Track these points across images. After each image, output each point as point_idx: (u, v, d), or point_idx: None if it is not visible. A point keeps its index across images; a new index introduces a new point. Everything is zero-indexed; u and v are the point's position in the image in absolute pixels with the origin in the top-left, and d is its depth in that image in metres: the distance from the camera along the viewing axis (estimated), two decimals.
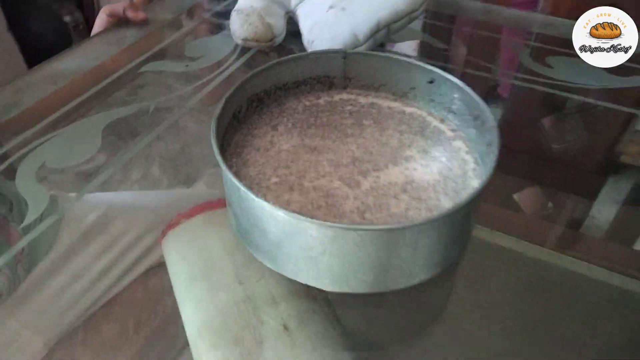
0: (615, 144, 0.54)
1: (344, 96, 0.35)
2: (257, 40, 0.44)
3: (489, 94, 0.59)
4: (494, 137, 0.27)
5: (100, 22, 0.53)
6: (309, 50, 0.44)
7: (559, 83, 0.47)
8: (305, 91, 0.35)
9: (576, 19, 0.57)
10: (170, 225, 0.36)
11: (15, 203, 0.39)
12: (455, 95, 0.31)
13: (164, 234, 0.36)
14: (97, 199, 0.45)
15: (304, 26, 0.44)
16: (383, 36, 0.42)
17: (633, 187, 0.51)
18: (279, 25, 0.45)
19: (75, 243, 0.43)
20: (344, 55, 0.34)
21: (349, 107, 0.34)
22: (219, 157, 0.26)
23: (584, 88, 0.47)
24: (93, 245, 0.44)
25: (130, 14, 0.51)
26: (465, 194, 0.27)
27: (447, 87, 0.32)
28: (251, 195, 0.23)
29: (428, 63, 0.33)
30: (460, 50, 0.53)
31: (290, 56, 0.33)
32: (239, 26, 0.44)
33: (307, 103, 0.34)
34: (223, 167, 0.25)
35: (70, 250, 0.43)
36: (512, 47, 0.52)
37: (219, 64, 0.45)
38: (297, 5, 0.46)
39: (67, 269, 0.42)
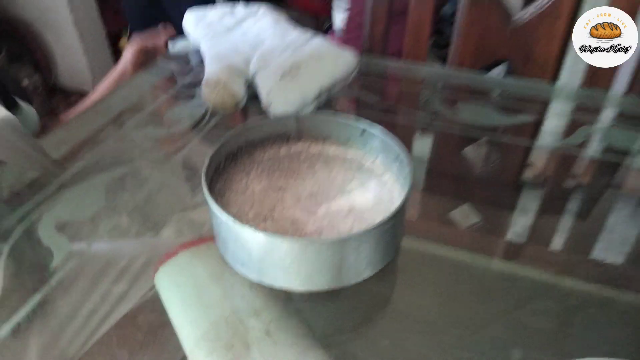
0: (523, 163, 0.67)
1: (299, 147, 0.45)
2: (224, 106, 0.54)
3: (421, 133, 0.71)
4: (408, 171, 0.38)
5: (130, 56, 0.63)
6: (267, 110, 0.54)
7: (467, 123, 0.59)
8: (269, 145, 0.45)
9: (479, 68, 0.71)
10: (161, 261, 0.43)
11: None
12: (381, 142, 0.42)
13: (155, 269, 0.43)
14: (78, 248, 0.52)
15: (262, 91, 0.55)
16: (325, 97, 0.53)
17: (542, 198, 0.63)
18: (241, 92, 0.55)
19: (62, 290, 0.49)
20: (296, 117, 0.44)
21: (303, 155, 0.45)
22: (210, 200, 0.35)
23: (486, 126, 0.60)
24: (78, 291, 0.50)
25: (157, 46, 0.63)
26: (390, 213, 0.37)
27: (374, 136, 0.43)
28: (239, 225, 0.33)
29: (362, 117, 0.43)
30: (390, 101, 0.65)
31: (256, 120, 0.43)
32: (208, 95, 0.54)
33: (271, 153, 0.44)
34: (214, 207, 0.34)
35: (57, 297, 0.49)
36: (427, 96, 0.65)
37: (194, 126, 0.55)
38: (254, 74, 0.57)
39: (57, 313, 0.48)
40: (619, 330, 0.36)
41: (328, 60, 0.55)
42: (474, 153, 0.71)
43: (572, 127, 0.60)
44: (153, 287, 0.41)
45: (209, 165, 0.38)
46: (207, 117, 0.56)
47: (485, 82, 0.66)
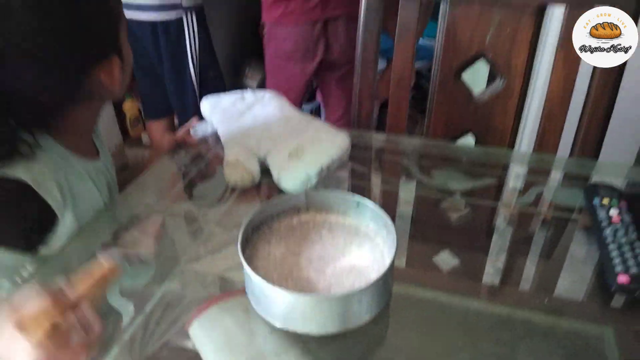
0: (494, 211, 0.79)
1: (308, 217, 0.57)
2: (243, 183, 0.66)
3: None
4: (394, 235, 0.50)
5: (166, 142, 0.77)
6: (278, 183, 0.67)
7: (440, 188, 0.72)
8: (284, 216, 0.57)
9: (448, 139, 0.84)
10: (193, 315, 0.54)
11: None
12: (372, 212, 0.54)
13: (189, 322, 0.54)
14: None
15: (273, 170, 0.67)
16: (326, 172, 0.66)
17: (510, 242, 0.74)
18: (257, 170, 0.68)
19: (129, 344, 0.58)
20: (305, 194, 0.56)
21: (311, 224, 0.56)
22: (246, 266, 0.46)
23: (456, 189, 0.73)
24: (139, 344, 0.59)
25: (187, 139, 0.77)
26: (382, 270, 0.49)
27: (366, 208, 0.55)
28: (271, 285, 0.44)
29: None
30: (376, 172, 0.78)
31: (274, 199, 0.55)
32: (229, 174, 0.67)
33: (286, 224, 0.56)
34: (249, 272, 0.46)
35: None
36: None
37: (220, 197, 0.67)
38: (265, 155, 0.70)
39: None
40: (557, 350, 0.47)
41: (326, 142, 0.68)
42: (451, 206, 0.83)
43: (527, 187, 0.73)
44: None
45: (242, 239, 0.49)
46: (228, 192, 0.68)
47: (455, 150, 0.80)
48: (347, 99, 1.39)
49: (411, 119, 2.06)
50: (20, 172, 0.53)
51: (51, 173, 0.56)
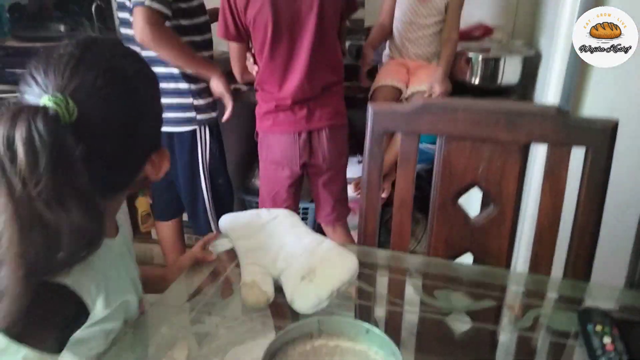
0: (494, 332, 0.82)
1: (321, 342, 0.61)
2: (258, 303, 0.71)
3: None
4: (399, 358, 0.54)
5: (186, 260, 0.82)
6: (291, 304, 0.71)
7: (443, 305, 0.76)
8: (298, 341, 0.61)
9: (448, 257, 0.90)
10: None
11: None
12: (380, 339, 0.59)
13: None
14: None
15: (286, 289, 0.73)
16: (336, 295, 0.71)
17: (517, 343, 0.76)
18: (271, 290, 0.73)
19: None
20: (318, 320, 0.61)
21: (324, 349, 0.60)
22: None
23: (458, 307, 0.77)
24: None
25: (206, 255, 0.82)
26: None
27: (375, 334, 0.59)
28: None
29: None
30: (381, 287, 0.83)
31: (289, 326, 0.60)
32: (245, 295, 0.72)
33: (300, 349, 0.60)
34: None
35: None
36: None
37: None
38: (279, 275, 0.75)
39: None
40: None
41: (337, 265, 0.74)
42: (453, 323, 0.87)
43: (524, 309, 0.77)
44: None
45: None
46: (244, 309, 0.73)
47: (455, 269, 0.85)
48: (334, 198, 1.57)
49: (413, 219, 2.15)
50: (60, 276, 0.54)
51: (89, 268, 0.56)
